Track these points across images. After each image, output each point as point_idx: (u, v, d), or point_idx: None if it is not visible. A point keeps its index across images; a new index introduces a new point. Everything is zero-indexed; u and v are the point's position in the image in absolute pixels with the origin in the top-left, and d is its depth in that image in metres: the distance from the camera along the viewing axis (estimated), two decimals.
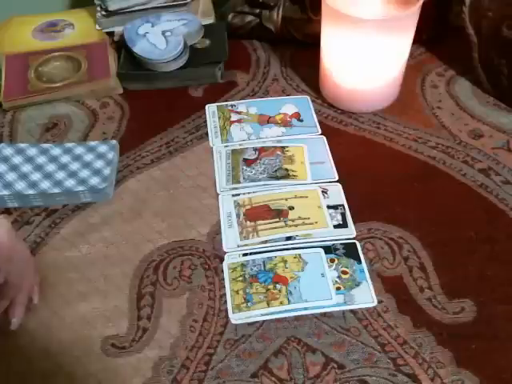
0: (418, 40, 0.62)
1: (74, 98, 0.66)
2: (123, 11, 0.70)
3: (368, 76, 0.59)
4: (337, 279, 0.47)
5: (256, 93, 0.67)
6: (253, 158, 0.58)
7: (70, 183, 0.54)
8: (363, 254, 0.49)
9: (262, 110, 0.64)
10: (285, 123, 0.62)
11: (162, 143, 0.60)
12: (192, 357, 0.43)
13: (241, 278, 0.47)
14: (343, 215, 0.52)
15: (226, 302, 0.46)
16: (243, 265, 0.48)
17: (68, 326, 0.45)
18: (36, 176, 0.54)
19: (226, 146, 0.60)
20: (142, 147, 0.60)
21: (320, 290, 0.46)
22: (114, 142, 0.59)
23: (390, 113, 0.63)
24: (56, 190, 0.53)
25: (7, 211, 0.54)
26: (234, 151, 0.59)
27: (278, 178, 0.56)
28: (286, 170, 0.56)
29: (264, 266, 0.48)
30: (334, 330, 0.44)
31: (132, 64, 0.67)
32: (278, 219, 0.52)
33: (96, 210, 0.54)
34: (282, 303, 0.45)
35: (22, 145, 0.58)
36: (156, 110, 0.64)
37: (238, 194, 0.54)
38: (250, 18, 0.72)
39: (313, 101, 0.65)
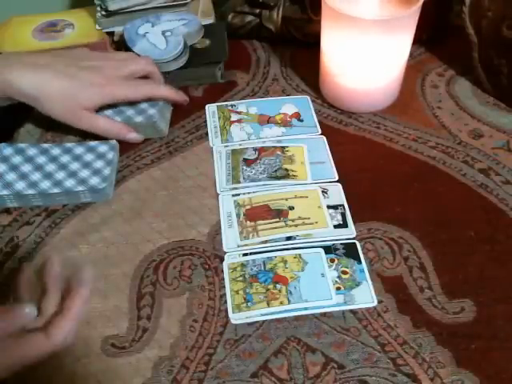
0: (418, 40, 0.62)
1: None
2: (123, 11, 0.70)
3: (368, 76, 0.59)
4: (337, 279, 0.47)
5: (256, 93, 0.67)
6: (253, 158, 0.58)
7: (70, 183, 0.54)
8: (363, 254, 0.49)
9: (262, 109, 0.64)
10: (285, 123, 0.62)
11: (161, 143, 0.60)
12: (192, 357, 0.43)
13: (241, 278, 0.47)
14: (343, 215, 0.52)
15: (225, 301, 0.46)
16: (243, 265, 0.48)
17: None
18: (36, 176, 0.54)
19: (226, 146, 0.60)
20: (142, 147, 0.60)
21: (320, 289, 0.46)
22: (114, 142, 0.59)
23: (390, 113, 0.63)
24: (56, 190, 0.53)
25: (7, 211, 0.54)
26: (234, 151, 0.59)
27: (278, 178, 0.56)
28: (286, 170, 0.56)
29: (264, 266, 0.48)
30: (333, 329, 0.44)
31: None
32: (278, 219, 0.52)
33: (96, 210, 0.54)
34: (282, 303, 0.45)
35: (22, 145, 0.58)
36: None
37: (238, 194, 0.54)
38: (250, 17, 0.72)
39: (313, 101, 0.65)
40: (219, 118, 0.63)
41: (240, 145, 0.60)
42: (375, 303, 0.45)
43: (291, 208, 0.53)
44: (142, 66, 0.60)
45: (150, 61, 0.62)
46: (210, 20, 0.73)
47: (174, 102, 0.63)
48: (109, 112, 0.60)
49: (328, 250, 0.49)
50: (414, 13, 0.55)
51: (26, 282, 0.40)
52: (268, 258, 0.49)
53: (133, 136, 0.59)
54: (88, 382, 0.42)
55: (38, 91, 0.55)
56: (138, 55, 0.64)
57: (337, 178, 0.56)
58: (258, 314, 0.45)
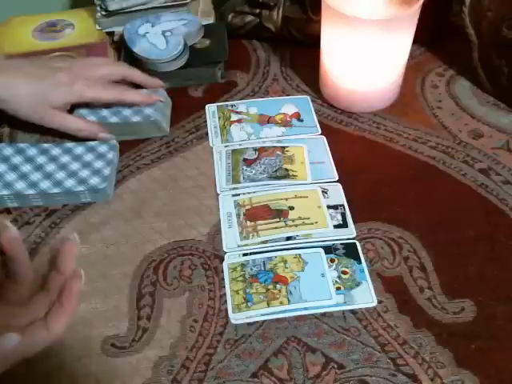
0: (418, 40, 0.62)
1: None
2: (123, 11, 0.70)
3: (368, 76, 0.59)
4: (337, 279, 0.47)
5: (256, 93, 0.67)
6: (253, 157, 0.58)
7: (70, 183, 0.54)
8: (363, 254, 0.49)
9: (262, 109, 0.64)
10: (285, 123, 0.62)
11: (161, 143, 0.60)
12: (192, 357, 0.43)
13: (241, 278, 0.47)
14: (343, 215, 0.52)
15: (226, 301, 0.46)
16: (243, 265, 0.48)
17: (68, 325, 0.45)
18: (36, 176, 0.54)
19: (226, 146, 0.60)
20: (142, 147, 0.60)
21: (320, 289, 0.46)
22: (114, 141, 0.59)
23: (389, 113, 0.63)
24: (56, 190, 0.53)
25: (7, 211, 0.54)
26: (234, 151, 0.59)
27: (278, 178, 0.56)
28: (286, 170, 0.56)
29: (264, 266, 0.48)
30: (333, 329, 0.44)
31: (132, 64, 0.67)
32: (278, 219, 0.52)
33: (96, 210, 0.54)
34: (282, 303, 0.45)
35: (22, 145, 0.58)
36: None
37: (238, 194, 0.54)
38: (249, 17, 0.72)
39: (313, 101, 0.65)
40: (219, 118, 0.63)
41: (240, 145, 0.60)
42: (375, 303, 0.45)
43: (291, 208, 0.53)
44: (113, 69, 0.60)
45: (123, 65, 0.62)
46: (210, 20, 0.73)
47: (147, 103, 0.61)
48: (105, 112, 0.60)
49: (328, 250, 0.49)
50: (414, 13, 0.55)
51: (36, 267, 0.40)
52: (268, 258, 0.49)
53: (104, 136, 0.59)
54: (88, 381, 0.42)
55: (6, 92, 0.55)
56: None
57: (337, 178, 0.56)
58: (257, 314, 0.45)
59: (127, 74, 0.61)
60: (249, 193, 0.54)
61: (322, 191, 0.54)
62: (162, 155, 0.59)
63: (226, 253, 0.50)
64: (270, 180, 0.56)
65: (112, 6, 0.69)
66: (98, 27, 0.73)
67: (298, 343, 0.43)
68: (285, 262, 0.48)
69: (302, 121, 0.62)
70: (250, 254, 0.49)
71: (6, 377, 0.42)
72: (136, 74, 0.62)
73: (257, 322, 0.45)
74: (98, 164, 0.56)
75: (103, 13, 0.71)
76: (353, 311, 0.45)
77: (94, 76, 0.58)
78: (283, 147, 0.59)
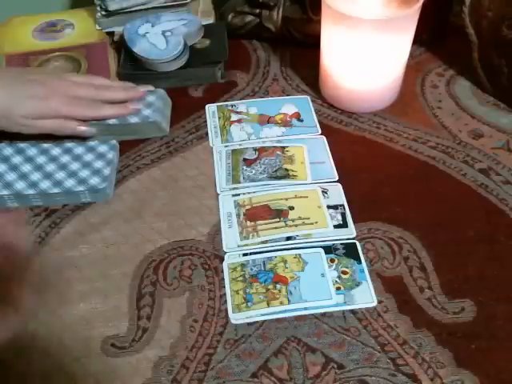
0: (417, 40, 0.62)
1: None
2: (123, 11, 0.70)
3: (368, 76, 0.59)
4: (337, 279, 0.47)
5: (256, 93, 0.67)
6: (253, 158, 0.58)
7: (70, 183, 0.54)
8: (363, 253, 0.49)
9: (262, 109, 0.64)
10: (285, 123, 0.62)
11: (162, 143, 0.60)
12: (192, 357, 0.43)
13: (241, 278, 0.47)
14: (343, 215, 0.52)
15: (226, 301, 0.46)
16: (243, 265, 0.48)
17: (68, 326, 0.45)
18: (36, 176, 0.54)
19: (226, 146, 0.60)
20: (142, 147, 0.60)
21: (320, 289, 0.46)
22: (114, 141, 0.59)
23: (389, 113, 0.63)
24: (56, 190, 0.53)
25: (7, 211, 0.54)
26: (234, 151, 0.59)
27: (278, 178, 0.56)
28: (286, 170, 0.56)
29: (264, 266, 0.48)
30: (333, 329, 0.44)
31: (132, 64, 0.67)
32: (278, 219, 0.52)
33: (96, 210, 0.54)
34: (282, 303, 0.45)
35: (22, 145, 0.58)
36: None
37: (238, 194, 0.54)
38: (249, 17, 0.72)
39: (313, 101, 0.65)
40: (219, 118, 0.63)
41: (240, 145, 0.60)
42: (375, 303, 0.45)
43: (291, 208, 0.53)
44: (90, 93, 0.58)
45: (103, 89, 0.60)
46: (210, 20, 0.73)
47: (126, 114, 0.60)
48: None
49: (328, 250, 0.49)
50: (414, 13, 0.55)
51: None
52: (268, 258, 0.49)
53: (83, 129, 0.58)
54: (88, 381, 0.42)
55: None
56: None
57: (337, 178, 0.56)
58: (257, 314, 0.45)
59: (106, 99, 0.59)
60: (249, 193, 0.54)
61: (322, 191, 0.54)
62: (162, 155, 0.59)
63: (226, 253, 0.50)
64: (270, 180, 0.56)
65: (112, 6, 0.69)
66: (98, 27, 0.73)
67: (298, 343, 0.43)
68: (285, 261, 0.48)
69: (302, 121, 0.62)
70: (250, 253, 0.49)
71: (5, 377, 0.42)
72: (115, 96, 0.60)
73: (257, 321, 0.45)
74: (98, 164, 0.56)
75: (103, 13, 0.71)
76: (353, 311, 0.45)
77: (71, 94, 0.57)
78: (283, 147, 0.59)
